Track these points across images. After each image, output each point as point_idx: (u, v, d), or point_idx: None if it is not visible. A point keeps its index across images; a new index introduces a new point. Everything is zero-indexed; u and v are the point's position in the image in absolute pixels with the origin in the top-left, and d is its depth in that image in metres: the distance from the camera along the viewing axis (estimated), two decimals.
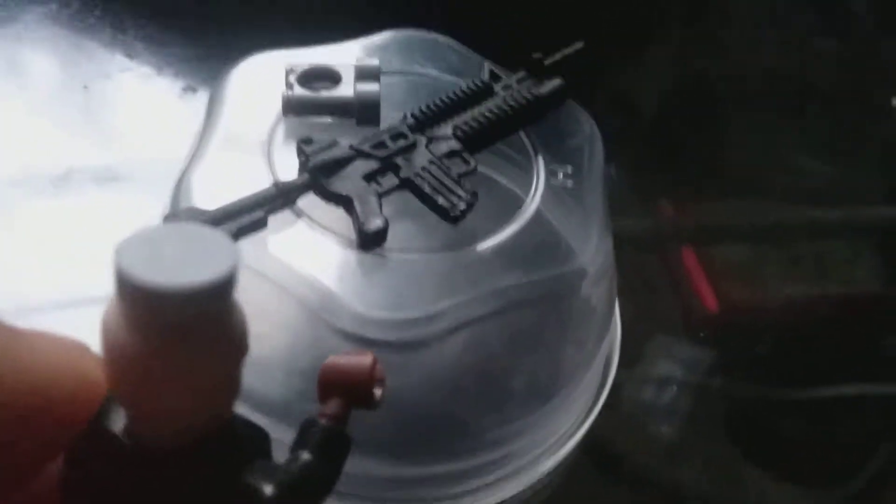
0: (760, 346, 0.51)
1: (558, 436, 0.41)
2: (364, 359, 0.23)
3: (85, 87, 0.56)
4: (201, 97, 0.57)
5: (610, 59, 0.66)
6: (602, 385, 0.44)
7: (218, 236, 0.19)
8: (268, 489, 0.21)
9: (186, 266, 0.18)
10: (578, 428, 0.42)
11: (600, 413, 0.43)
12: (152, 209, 0.45)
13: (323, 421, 0.22)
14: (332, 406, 0.23)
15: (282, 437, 0.35)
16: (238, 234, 0.32)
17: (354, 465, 0.36)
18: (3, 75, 0.56)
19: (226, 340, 0.19)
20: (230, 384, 0.20)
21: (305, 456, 0.22)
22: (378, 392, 0.23)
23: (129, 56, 0.59)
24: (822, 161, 0.63)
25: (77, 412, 0.20)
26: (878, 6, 0.77)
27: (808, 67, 0.72)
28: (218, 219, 0.33)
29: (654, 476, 0.45)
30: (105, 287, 0.18)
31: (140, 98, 0.57)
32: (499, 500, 0.40)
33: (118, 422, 0.20)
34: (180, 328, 0.18)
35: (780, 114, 0.67)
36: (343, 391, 0.23)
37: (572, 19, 0.64)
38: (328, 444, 0.22)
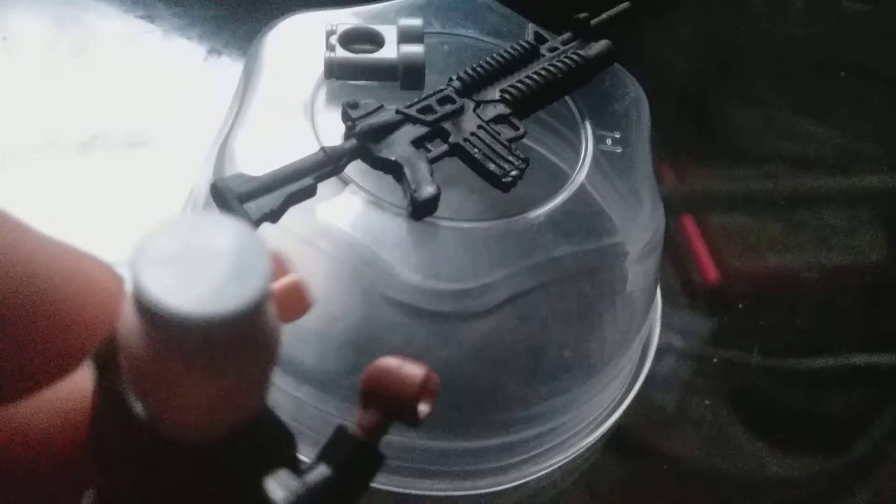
0: (761, 315, 0.50)
1: (600, 411, 0.40)
2: (415, 371, 0.20)
3: (107, 49, 0.55)
4: (226, 60, 0.55)
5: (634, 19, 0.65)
6: (641, 363, 0.43)
7: (248, 241, 0.16)
8: (277, 500, 0.19)
9: (213, 284, 0.16)
10: (620, 404, 0.41)
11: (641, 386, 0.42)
12: (181, 177, 0.44)
13: (355, 432, 0.20)
14: (369, 417, 0.20)
15: (329, 410, 0.35)
16: (288, 202, 0.31)
17: (403, 436, 0.36)
18: (25, 40, 0.55)
19: (255, 356, 0.18)
20: (258, 391, 0.19)
21: (326, 470, 0.20)
22: (424, 409, 0.21)
23: (150, 18, 0.57)
24: (833, 128, 0.62)
25: (90, 326, 0.18)
26: None
27: (836, 32, 0.70)
28: (266, 186, 0.31)
29: (651, 446, 0.45)
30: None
31: (164, 61, 0.55)
32: (543, 473, 0.39)
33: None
34: (206, 352, 0.16)
35: (797, 79, 0.66)
36: (385, 403, 0.21)
37: None
38: (355, 460, 0.20)
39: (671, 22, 0.68)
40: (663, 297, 0.46)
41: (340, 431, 0.20)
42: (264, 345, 0.18)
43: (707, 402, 0.46)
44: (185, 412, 0.18)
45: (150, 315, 0.16)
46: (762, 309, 0.50)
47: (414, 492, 0.36)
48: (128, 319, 0.17)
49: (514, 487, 0.38)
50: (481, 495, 0.38)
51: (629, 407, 0.42)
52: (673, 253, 0.51)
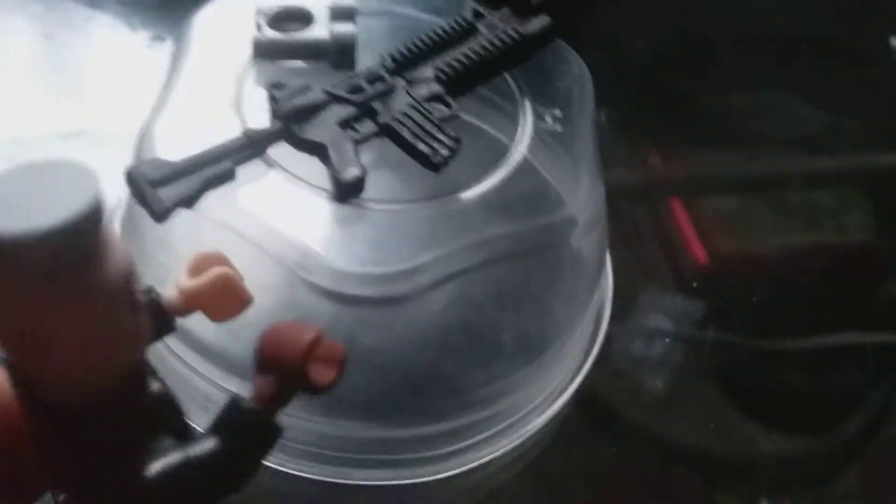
0: (750, 296, 0.50)
1: (550, 391, 0.40)
2: (305, 331, 0.20)
3: (47, 36, 0.53)
4: (170, 46, 0.54)
5: (601, 2, 0.64)
6: (593, 338, 0.42)
7: (78, 168, 0.17)
8: (151, 469, 0.19)
9: (40, 207, 0.16)
10: (570, 382, 0.40)
11: (591, 366, 0.41)
12: (120, 162, 0.43)
13: (249, 404, 0.20)
14: (264, 386, 0.20)
15: None
16: (204, 187, 0.30)
17: (339, 426, 0.35)
18: None
19: (101, 286, 0.17)
20: (122, 336, 0.18)
21: (213, 441, 0.19)
22: (324, 375, 0.20)
23: (94, 4, 0.56)
24: (814, 107, 0.62)
25: None
26: None
27: (806, 11, 0.69)
28: (182, 170, 0.30)
29: (644, 428, 0.44)
30: None
31: (106, 48, 0.54)
32: (489, 458, 0.38)
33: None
34: (46, 275, 0.16)
35: (772, 59, 0.65)
36: (277, 366, 0.20)
37: None
38: (248, 432, 0.20)
39: (639, 5, 0.67)
40: (653, 281, 0.46)
41: (233, 402, 0.20)
42: (101, 280, 0.17)
43: (698, 383, 0.46)
44: (46, 356, 0.17)
45: None
46: (751, 290, 0.50)
47: (350, 482, 0.35)
48: None
49: (457, 475, 0.38)
50: (421, 484, 0.37)
51: (619, 387, 0.41)
52: (662, 237, 0.51)
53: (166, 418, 0.21)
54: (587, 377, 0.41)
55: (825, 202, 0.56)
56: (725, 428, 0.44)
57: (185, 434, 0.21)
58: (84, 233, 0.16)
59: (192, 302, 0.21)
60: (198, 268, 0.21)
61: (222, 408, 0.20)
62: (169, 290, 0.21)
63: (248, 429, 0.20)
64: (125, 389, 0.19)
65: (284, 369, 0.20)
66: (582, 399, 0.42)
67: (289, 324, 0.20)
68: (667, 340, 0.47)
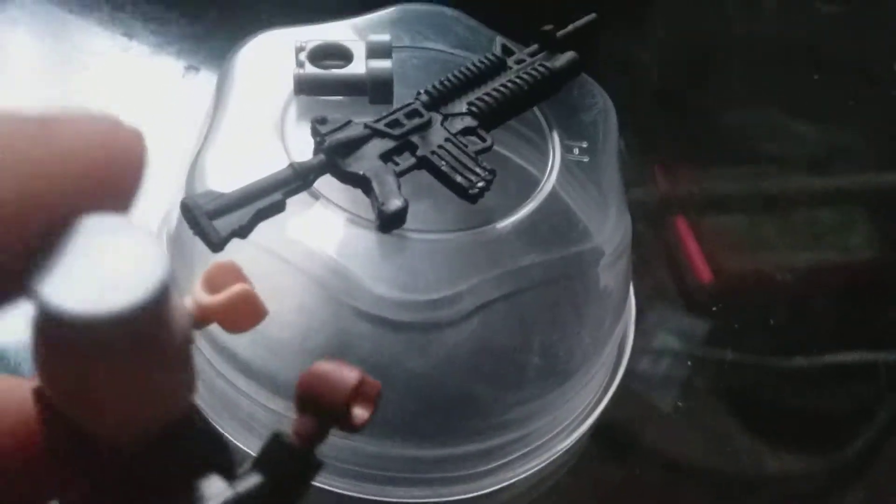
0: (756, 315, 0.51)
1: (576, 414, 0.41)
2: (348, 375, 0.20)
3: (84, 66, 0.55)
4: (204, 77, 0.56)
5: (609, 23, 0.65)
6: (617, 364, 0.43)
7: (142, 237, 0.17)
8: None
9: (108, 280, 0.16)
10: (595, 407, 0.42)
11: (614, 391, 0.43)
12: (159, 194, 0.44)
13: (290, 439, 0.20)
14: (304, 423, 0.20)
15: None
16: (256, 218, 0.32)
17: (375, 445, 0.37)
18: (6, 57, 0.55)
19: (158, 356, 0.18)
20: (174, 392, 0.19)
21: (258, 477, 0.20)
22: (361, 414, 0.21)
23: (129, 35, 0.58)
24: (818, 127, 0.63)
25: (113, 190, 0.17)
26: None
27: (810, 32, 0.71)
28: (235, 202, 0.32)
29: (649, 446, 0.45)
30: None
31: (141, 78, 0.56)
32: (520, 478, 0.40)
33: None
34: (110, 351, 0.16)
35: (776, 79, 0.67)
36: (319, 408, 0.20)
37: None
38: (290, 467, 0.20)
39: (646, 25, 0.69)
40: (658, 299, 0.47)
41: (275, 438, 0.20)
42: (168, 344, 0.18)
43: (704, 401, 0.47)
44: (102, 414, 0.18)
45: (47, 318, 0.16)
46: (757, 308, 0.51)
47: (389, 499, 0.37)
48: (37, 335, 0.17)
49: (489, 493, 0.39)
50: (457, 502, 0.38)
51: (625, 406, 0.42)
52: (667, 255, 0.52)
53: (211, 457, 0.21)
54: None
55: (830, 221, 0.57)
56: (731, 446, 0.45)
57: (230, 471, 0.21)
58: (156, 306, 0.16)
59: (210, 316, 0.21)
60: (214, 280, 0.21)
61: (264, 444, 0.20)
62: (187, 303, 0.21)
63: (289, 464, 0.20)
64: (174, 432, 0.19)
65: (327, 410, 0.20)
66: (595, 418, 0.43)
67: (330, 365, 0.21)
68: (671, 359, 0.47)
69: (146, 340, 0.17)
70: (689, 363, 0.48)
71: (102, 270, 0.16)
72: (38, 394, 0.19)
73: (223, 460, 0.21)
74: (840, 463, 0.46)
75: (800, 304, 0.52)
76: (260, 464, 0.20)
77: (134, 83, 0.55)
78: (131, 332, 0.16)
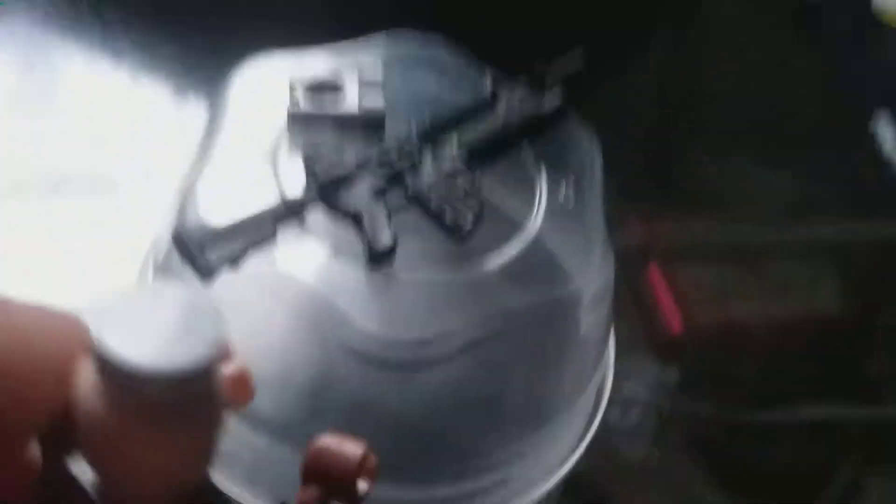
0: (725, 368, 0.51)
1: (554, 459, 0.41)
2: (354, 451, 0.22)
3: (73, 88, 0.55)
4: (192, 100, 0.56)
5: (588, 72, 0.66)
6: (594, 411, 0.43)
7: (202, 303, 0.18)
8: None
9: (171, 342, 0.17)
10: (573, 452, 0.42)
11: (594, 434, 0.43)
12: (146, 217, 0.44)
13: None
14: (309, 494, 0.21)
15: (286, 458, 0.35)
16: (247, 250, 0.32)
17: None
18: None
19: (204, 417, 0.19)
20: (206, 456, 0.20)
21: None
22: (363, 487, 0.22)
23: (118, 58, 0.58)
24: (790, 178, 0.64)
25: (61, 382, 0.19)
26: (856, 24, 0.78)
27: (786, 87, 0.73)
28: (227, 234, 0.32)
29: (617, 498, 0.45)
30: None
31: (130, 101, 0.56)
32: None
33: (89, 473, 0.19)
34: (160, 407, 0.17)
35: (754, 133, 0.68)
36: (325, 481, 0.21)
37: (553, 25, 0.63)
38: None
39: (626, 78, 0.70)
40: (628, 348, 0.47)
41: None
42: (212, 408, 0.19)
43: (672, 454, 0.47)
44: (137, 474, 0.18)
45: (110, 370, 0.17)
46: (727, 360, 0.51)
47: None
48: (87, 378, 0.18)
49: None
50: None
51: (594, 457, 0.42)
52: (638, 303, 0.52)
53: None
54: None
55: (797, 272, 0.57)
56: (697, 500, 0.45)
57: None
58: (209, 373, 0.18)
59: None
60: None
61: None
62: None
63: None
64: (188, 497, 0.20)
65: (334, 482, 0.21)
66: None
67: (337, 440, 0.22)
68: (639, 409, 0.47)
69: (197, 402, 0.18)
70: (659, 415, 0.48)
71: (164, 330, 0.17)
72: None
73: None
74: None
75: (770, 356, 0.52)
76: None
77: (122, 106, 0.55)
78: (187, 392, 0.18)
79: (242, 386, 0.23)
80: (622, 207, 0.58)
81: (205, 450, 0.20)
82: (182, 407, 0.18)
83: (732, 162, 0.64)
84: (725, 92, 0.70)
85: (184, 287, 0.18)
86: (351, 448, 0.22)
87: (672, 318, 0.51)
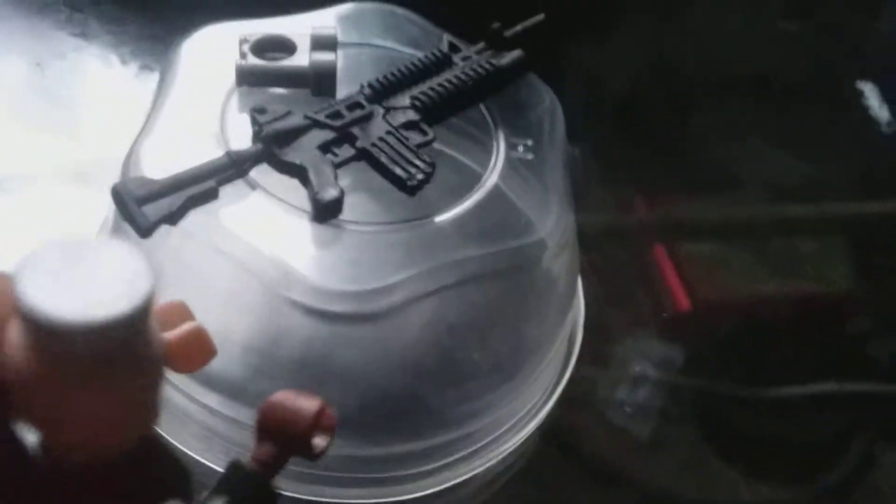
0: (731, 343, 0.50)
1: (524, 412, 0.41)
2: (308, 405, 0.21)
3: (38, 65, 0.55)
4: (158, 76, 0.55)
5: (578, 42, 0.66)
6: (565, 364, 0.43)
7: (131, 254, 0.18)
8: None
9: (96, 293, 0.17)
10: (544, 404, 0.41)
11: (573, 411, 0.42)
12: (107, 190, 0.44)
13: (251, 466, 0.21)
14: (264, 451, 0.21)
15: (238, 417, 0.35)
16: (187, 205, 0.31)
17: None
18: None
19: (137, 368, 0.18)
20: (144, 409, 0.19)
21: (219, 503, 0.20)
22: (320, 443, 0.22)
23: (84, 35, 0.57)
24: (792, 153, 0.63)
25: None
26: None
27: (775, 53, 0.72)
28: (166, 188, 0.32)
29: (625, 474, 0.45)
30: None
31: (96, 78, 0.55)
32: (465, 478, 0.39)
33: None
34: (89, 360, 0.17)
35: (748, 102, 0.67)
36: (279, 437, 0.21)
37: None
38: (249, 494, 0.21)
39: (618, 45, 0.69)
40: (636, 326, 0.47)
41: (235, 465, 0.21)
42: (146, 359, 0.18)
43: (681, 430, 0.46)
44: (75, 431, 0.18)
45: (35, 325, 0.16)
46: (734, 337, 0.50)
47: (325, 500, 0.36)
48: (15, 334, 0.17)
49: (431, 494, 0.38)
50: (398, 503, 0.37)
51: (604, 434, 0.42)
52: (646, 282, 0.52)
53: (171, 482, 0.22)
54: (569, 421, 0.42)
55: (805, 250, 0.57)
56: (708, 475, 0.45)
57: (189, 497, 0.21)
58: (138, 320, 0.17)
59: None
60: (163, 319, 0.21)
61: (224, 471, 0.21)
62: None
63: (248, 490, 0.21)
64: (135, 455, 0.20)
65: (288, 439, 0.21)
66: (563, 442, 0.42)
67: (291, 395, 0.22)
68: (648, 386, 0.47)
69: (128, 353, 0.18)
70: (664, 390, 0.48)
71: (91, 282, 0.17)
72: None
73: (183, 485, 0.21)
74: (816, 494, 0.46)
75: (777, 333, 0.52)
76: (219, 490, 0.21)
77: (89, 83, 0.55)
78: (117, 343, 0.17)
79: (201, 344, 0.22)
80: (629, 190, 0.58)
81: (143, 403, 0.19)
82: (111, 359, 0.17)
83: (737, 140, 0.63)
84: (723, 64, 0.70)
85: (113, 242, 0.18)
86: (305, 403, 0.22)
87: (679, 296, 0.51)
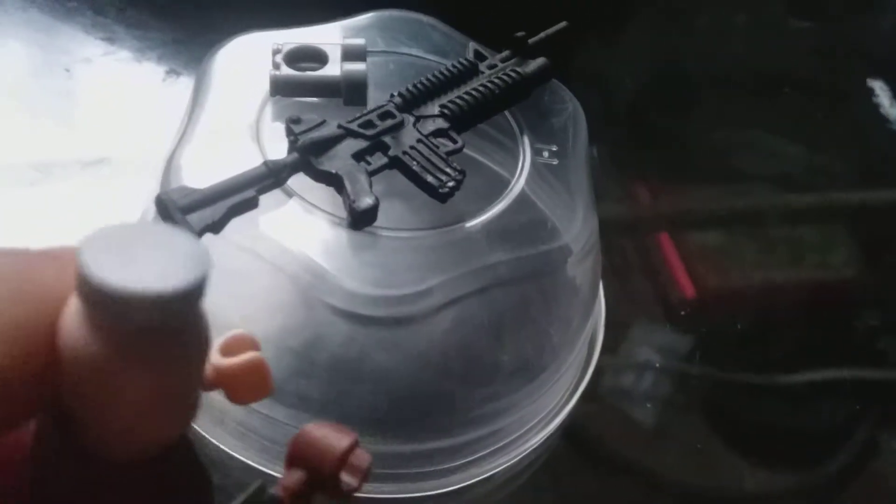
0: (736, 331, 0.51)
1: (546, 411, 0.42)
2: (337, 444, 0.21)
3: (67, 70, 0.56)
4: (185, 81, 0.57)
5: (586, 40, 0.67)
6: (587, 363, 0.44)
7: (189, 239, 0.18)
8: None
9: (157, 270, 0.17)
10: (566, 404, 0.43)
11: (580, 399, 0.43)
12: (138, 195, 0.45)
13: (275, 492, 0.21)
14: (292, 479, 0.21)
15: (275, 416, 0.36)
16: (229, 214, 0.33)
17: None
18: None
19: (188, 352, 0.18)
20: (191, 400, 0.20)
21: None
22: (350, 482, 0.21)
23: (111, 40, 0.58)
24: (797, 144, 0.64)
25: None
26: None
27: (782, 49, 0.72)
28: (209, 198, 0.33)
29: (632, 462, 0.46)
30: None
31: (123, 83, 0.56)
32: (490, 474, 0.40)
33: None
34: (147, 333, 0.17)
35: (753, 97, 0.68)
36: (308, 467, 0.21)
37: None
38: None
39: (626, 47, 0.70)
40: (642, 314, 0.47)
41: (260, 490, 0.21)
42: (196, 346, 0.19)
43: (686, 418, 0.47)
44: (124, 411, 0.18)
45: (93, 295, 0.17)
46: (739, 326, 0.51)
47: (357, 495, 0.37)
48: (72, 317, 0.18)
49: (457, 490, 0.39)
50: (424, 498, 0.39)
51: (611, 421, 0.43)
52: (650, 271, 0.53)
53: (191, 490, 0.21)
54: (577, 409, 0.43)
55: (809, 238, 0.58)
56: (711, 463, 0.45)
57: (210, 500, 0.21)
58: (194, 299, 0.17)
59: (220, 379, 0.22)
60: (230, 348, 0.22)
61: (249, 492, 0.21)
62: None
63: None
64: (165, 456, 0.20)
65: (316, 470, 0.21)
66: (570, 430, 0.43)
67: (325, 427, 0.21)
68: (654, 374, 0.48)
69: (181, 334, 0.18)
70: (669, 378, 0.48)
71: (150, 259, 0.17)
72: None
73: (204, 497, 0.21)
74: (820, 480, 0.47)
75: (779, 321, 0.53)
76: None
77: (116, 88, 0.56)
78: (175, 318, 0.17)
79: (259, 377, 0.22)
80: (632, 179, 0.58)
81: (189, 393, 0.19)
82: (170, 337, 0.18)
83: (740, 130, 0.64)
84: (727, 60, 0.70)
85: (168, 226, 0.18)
86: (335, 438, 0.21)
87: (684, 283, 0.52)
